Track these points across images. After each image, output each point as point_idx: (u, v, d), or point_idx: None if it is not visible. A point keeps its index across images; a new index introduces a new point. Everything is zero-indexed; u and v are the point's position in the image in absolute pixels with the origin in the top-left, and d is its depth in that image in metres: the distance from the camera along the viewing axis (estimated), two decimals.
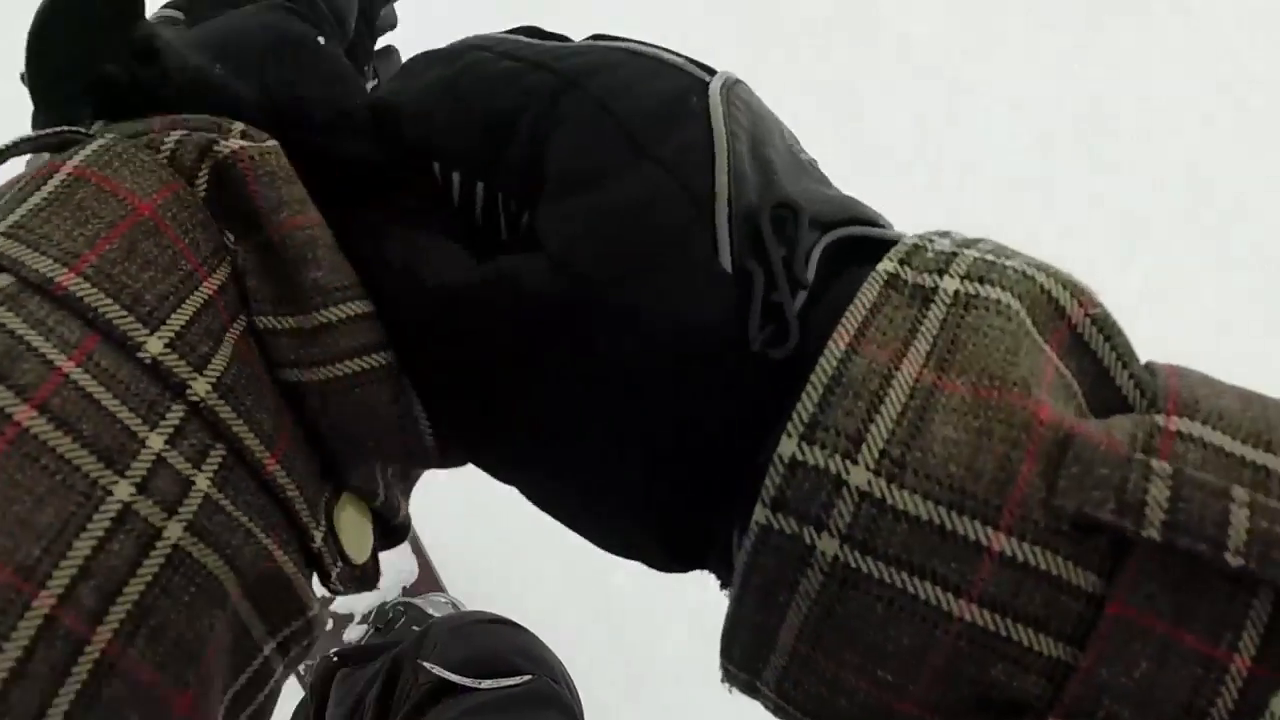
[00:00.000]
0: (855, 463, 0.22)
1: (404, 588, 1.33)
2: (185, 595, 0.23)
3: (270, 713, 0.26)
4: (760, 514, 0.23)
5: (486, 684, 0.94)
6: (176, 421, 0.23)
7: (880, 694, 0.23)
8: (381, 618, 1.29)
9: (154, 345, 0.23)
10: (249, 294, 0.26)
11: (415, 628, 1.20)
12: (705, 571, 0.29)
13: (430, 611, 1.26)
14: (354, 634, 1.32)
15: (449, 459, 0.30)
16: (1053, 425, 0.22)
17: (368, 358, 0.27)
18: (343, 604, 1.33)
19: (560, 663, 1.04)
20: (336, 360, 0.26)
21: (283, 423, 0.26)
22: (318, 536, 0.28)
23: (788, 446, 0.22)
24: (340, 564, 0.29)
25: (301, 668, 1.31)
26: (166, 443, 0.23)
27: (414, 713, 0.96)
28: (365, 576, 0.30)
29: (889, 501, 0.22)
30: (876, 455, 0.22)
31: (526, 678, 0.96)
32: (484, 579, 1.33)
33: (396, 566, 1.32)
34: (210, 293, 0.25)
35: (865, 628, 0.22)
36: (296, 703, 1.19)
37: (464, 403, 0.28)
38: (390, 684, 1.01)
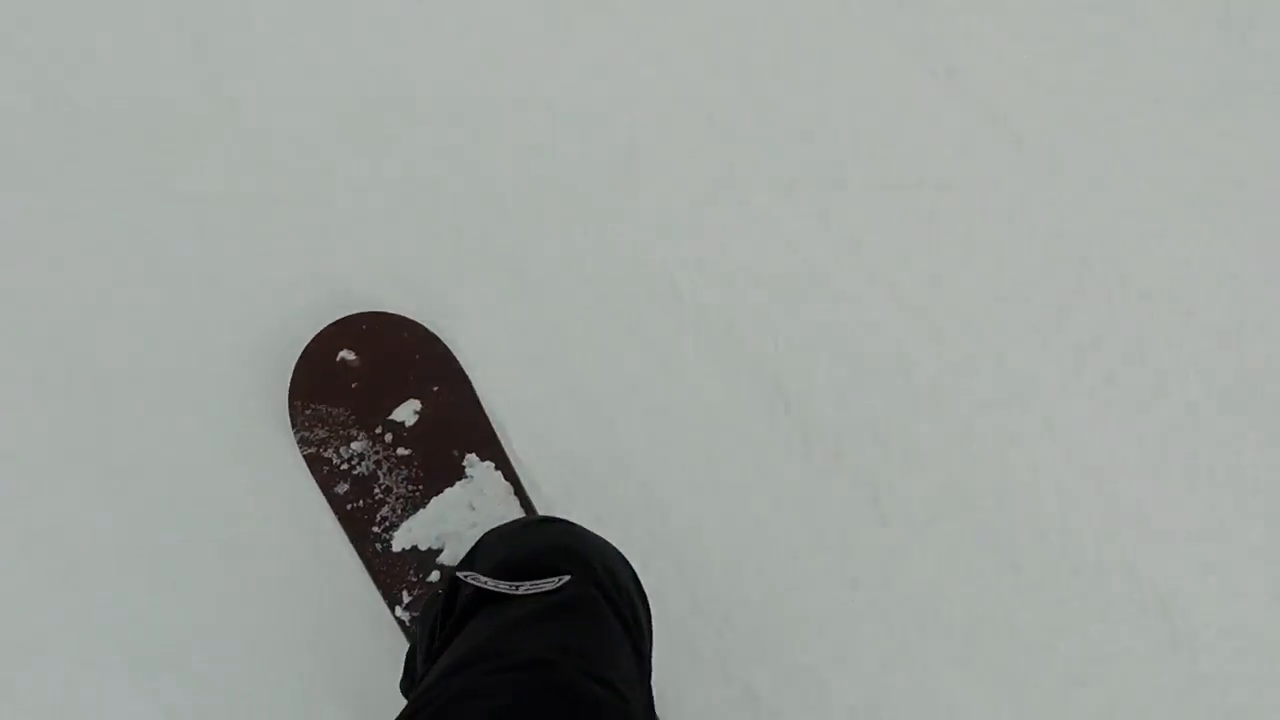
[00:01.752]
0: None
1: None
2: None
3: None
4: None
5: (524, 588, 0.88)
6: None
7: None
8: None
9: None
10: None
11: None
12: None
13: None
14: None
15: None
16: None
17: None
18: (450, 556, 1.32)
19: (612, 557, 0.98)
20: None
21: None
22: None
23: None
24: None
25: (407, 618, 1.29)
26: None
27: (456, 626, 0.92)
28: None
29: None
30: None
31: (564, 579, 0.89)
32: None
33: (499, 512, 1.33)
34: None
35: None
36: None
37: None
38: (450, 600, 0.96)
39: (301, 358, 1.37)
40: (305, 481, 1.35)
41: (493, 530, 1.05)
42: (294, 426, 1.36)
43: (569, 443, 1.40)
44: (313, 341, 1.37)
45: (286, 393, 1.36)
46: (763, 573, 1.35)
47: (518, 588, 0.88)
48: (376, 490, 1.35)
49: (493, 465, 1.37)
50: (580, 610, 0.89)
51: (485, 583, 0.90)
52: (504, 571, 0.92)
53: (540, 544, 0.97)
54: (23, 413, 1.33)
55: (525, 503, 1.37)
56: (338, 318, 1.38)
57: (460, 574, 0.93)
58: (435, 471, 1.36)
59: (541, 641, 0.84)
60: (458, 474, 1.36)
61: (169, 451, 1.32)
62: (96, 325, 1.36)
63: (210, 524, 1.30)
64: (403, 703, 0.82)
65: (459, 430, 1.38)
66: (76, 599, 1.26)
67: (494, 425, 1.40)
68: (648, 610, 0.99)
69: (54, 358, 1.34)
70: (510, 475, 1.38)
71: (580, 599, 0.89)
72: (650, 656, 0.97)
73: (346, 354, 1.38)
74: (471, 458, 1.37)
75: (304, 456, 1.35)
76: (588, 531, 1.01)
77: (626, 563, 1.00)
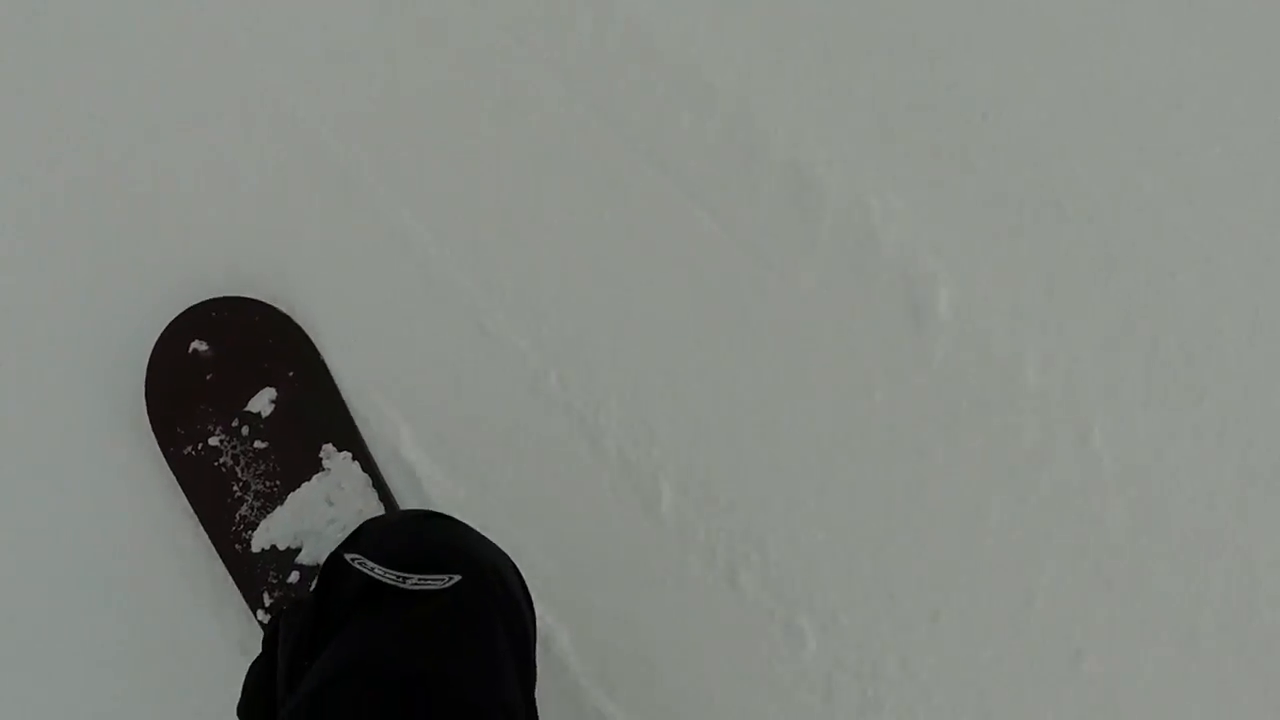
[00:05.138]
0: None
1: None
2: None
3: None
4: None
5: (412, 581, 0.86)
6: None
7: None
8: None
9: None
10: None
11: None
12: None
13: None
14: None
15: None
16: None
17: None
18: (308, 555, 1.25)
19: (499, 555, 0.94)
20: None
21: None
22: None
23: None
24: None
25: (268, 622, 1.23)
26: None
27: (338, 619, 0.87)
28: None
29: None
30: None
31: (455, 578, 0.86)
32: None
33: (356, 506, 1.24)
34: None
35: None
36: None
37: None
38: (327, 584, 0.91)
39: (154, 353, 1.30)
40: (169, 481, 1.30)
41: (374, 520, 1.01)
42: (152, 424, 1.30)
43: (431, 431, 1.28)
44: (163, 334, 1.30)
45: (143, 389, 1.30)
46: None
47: (406, 580, 0.85)
48: (235, 487, 1.28)
49: (350, 456, 1.28)
50: (470, 618, 0.85)
51: (374, 570, 0.86)
52: (393, 564, 0.87)
53: (430, 539, 0.92)
54: None
55: (385, 496, 1.27)
56: (188, 306, 1.30)
57: (348, 556, 0.88)
58: (292, 465, 1.28)
59: (432, 653, 0.81)
60: (315, 467, 1.28)
61: (20, 455, 1.30)
62: None
63: (68, 528, 1.28)
64: None
65: (315, 419, 1.29)
66: None
67: (352, 413, 1.29)
68: (533, 612, 0.94)
69: None
70: (369, 467, 1.28)
71: (470, 606, 0.86)
72: (534, 661, 0.92)
73: (198, 344, 1.30)
74: (328, 449, 1.28)
75: (164, 455, 1.30)
76: (475, 531, 0.96)
77: (513, 564, 0.95)
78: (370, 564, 0.86)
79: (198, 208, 1.32)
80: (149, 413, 1.30)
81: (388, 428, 1.28)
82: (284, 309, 1.30)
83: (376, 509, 1.26)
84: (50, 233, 1.33)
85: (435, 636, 0.82)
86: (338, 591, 0.89)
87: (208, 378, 1.30)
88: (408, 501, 1.26)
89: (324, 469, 1.27)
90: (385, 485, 1.27)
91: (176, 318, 1.30)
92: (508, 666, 0.84)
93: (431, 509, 1.09)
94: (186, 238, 1.32)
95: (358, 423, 1.29)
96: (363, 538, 0.93)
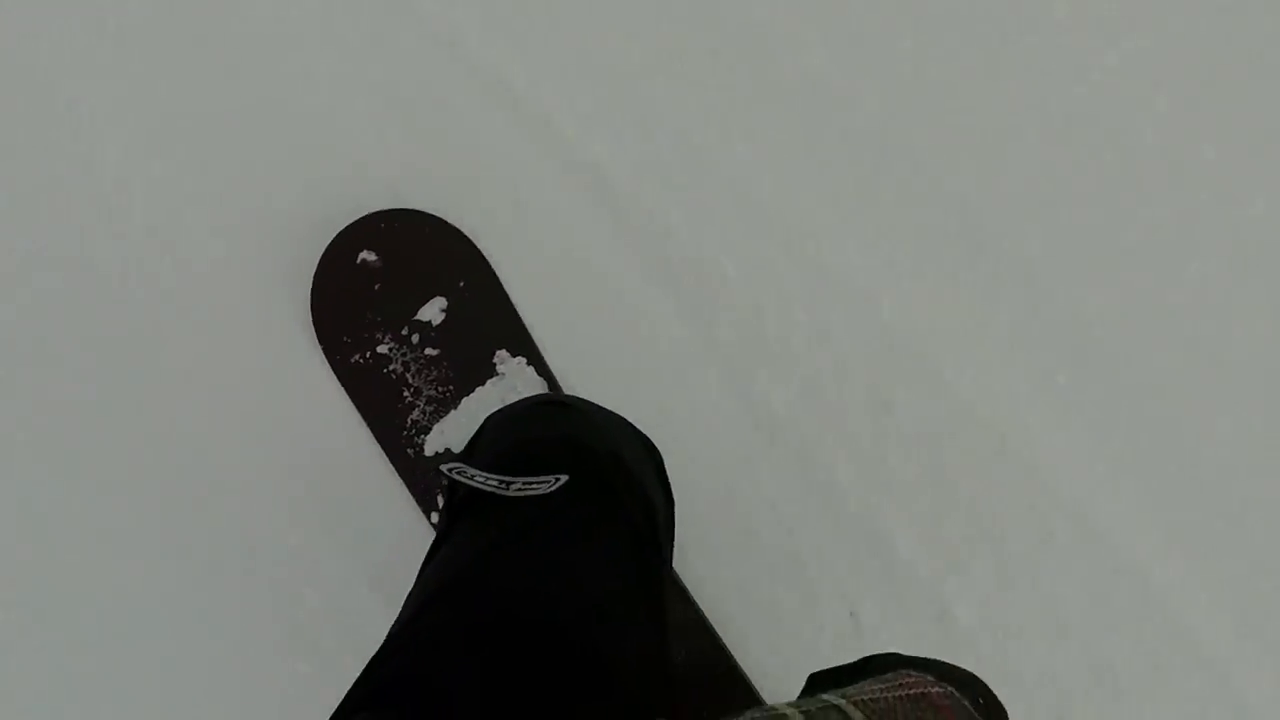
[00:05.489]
0: None
1: None
2: None
3: None
4: None
5: (515, 488, 0.77)
6: None
7: None
8: None
9: None
10: None
11: None
12: None
13: None
14: None
15: None
16: None
17: None
18: None
19: (625, 438, 0.87)
20: None
21: None
22: None
23: None
24: None
25: None
26: None
27: (446, 531, 0.81)
28: None
29: None
30: None
31: (561, 479, 0.77)
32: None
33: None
34: None
35: None
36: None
37: None
38: (450, 491, 0.86)
39: (321, 262, 1.30)
40: (335, 390, 1.28)
41: (500, 411, 0.92)
42: (318, 335, 1.29)
43: (600, 335, 1.30)
44: (331, 245, 1.31)
45: (309, 300, 1.30)
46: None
47: (509, 485, 0.77)
48: (406, 393, 1.28)
49: (525, 360, 1.28)
50: (572, 524, 0.77)
51: (474, 478, 0.78)
52: (501, 463, 0.80)
53: (544, 433, 0.85)
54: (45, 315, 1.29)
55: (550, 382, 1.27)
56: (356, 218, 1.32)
57: (445, 467, 0.80)
58: (465, 371, 1.28)
59: (526, 571, 0.73)
60: (489, 372, 1.28)
61: (191, 365, 1.28)
62: (112, 249, 1.32)
63: (238, 439, 1.25)
64: None
65: (488, 326, 1.30)
66: (108, 517, 1.23)
67: (523, 319, 1.30)
68: (669, 496, 0.88)
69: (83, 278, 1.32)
70: (544, 370, 1.28)
71: (575, 509, 0.77)
72: (669, 546, 0.87)
73: (367, 254, 1.31)
74: (502, 354, 1.29)
75: (330, 364, 1.29)
76: (601, 413, 0.89)
77: (645, 445, 0.89)
78: (471, 472, 0.79)
79: (368, 125, 1.34)
80: (314, 322, 1.29)
81: (558, 333, 1.29)
82: (454, 222, 1.32)
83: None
84: (224, 146, 1.34)
85: (529, 550, 0.75)
86: (452, 501, 0.83)
87: (375, 287, 1.30)
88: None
89: (498, 374, 1.28)
90: (560, 388, 1.28)
91: (345, 228, 1.31)
92: (616, 570, 0.76)
93: (557, 395, 1.03)
94: (359, 153, 1.34)
95: (530, 330, 1.30)
96: (482, 437, 0.88)
